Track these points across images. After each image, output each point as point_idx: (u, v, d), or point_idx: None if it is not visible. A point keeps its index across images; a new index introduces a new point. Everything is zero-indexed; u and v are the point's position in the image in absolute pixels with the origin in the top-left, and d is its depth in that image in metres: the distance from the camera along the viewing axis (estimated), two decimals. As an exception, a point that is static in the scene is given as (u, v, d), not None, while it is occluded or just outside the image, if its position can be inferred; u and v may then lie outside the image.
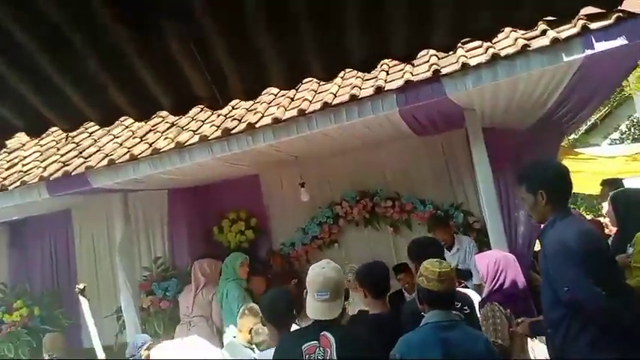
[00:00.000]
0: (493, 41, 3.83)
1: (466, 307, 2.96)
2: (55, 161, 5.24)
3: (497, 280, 3.27)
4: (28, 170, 5.30)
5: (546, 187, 2.48)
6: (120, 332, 5.96)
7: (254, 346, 3.79)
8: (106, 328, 5.95)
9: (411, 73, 4.00)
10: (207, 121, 4.91)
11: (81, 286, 4.68)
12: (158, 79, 1.66)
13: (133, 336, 4.96)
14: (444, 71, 3.81)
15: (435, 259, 2.56)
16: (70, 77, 1.64)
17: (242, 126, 4.40)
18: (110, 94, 1.70)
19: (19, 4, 1.37)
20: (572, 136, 10.57)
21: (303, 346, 2.35)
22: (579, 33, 3.49)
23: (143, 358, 4.37)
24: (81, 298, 4.62)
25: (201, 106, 4.53)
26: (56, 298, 6.61)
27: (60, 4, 1.38)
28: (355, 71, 4.50)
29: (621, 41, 3.40)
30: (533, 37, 3.67)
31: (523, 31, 3.76)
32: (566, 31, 3.56)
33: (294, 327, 2.89)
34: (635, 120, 13.71)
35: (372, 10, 1.44)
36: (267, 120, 4.33)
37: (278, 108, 4.42)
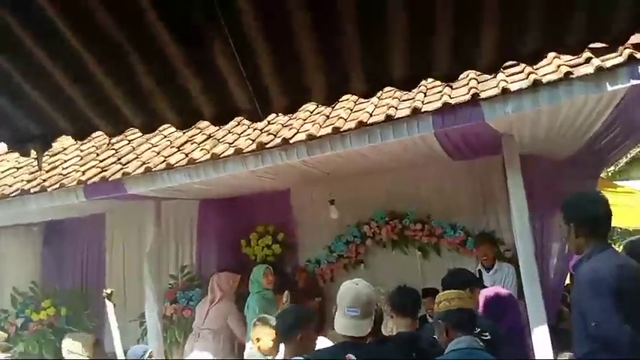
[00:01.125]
0: (535, 67, 3.78)
1: (486, 334, 2.85)
2: (93, 166, 5.37)
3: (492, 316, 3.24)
4: (67, 174, 5.45)
5: (577, 220, 2.47)
6: (141, 338, 6.02)
7: (269, 356, 3.76)
8: (129, 333, 6.00)
9: (449, 96, 3.96)
10: (243, 134, 4.97)
11: (108, 291, 4.74)
12: (202, 89, 1.68)
13: (132, 346, 4.96)
14: (483, 95, 3.77)
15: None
16: (117, 83, 1.68)
17: (277, 141, 4.44)
18: (154, 101, 1.74)
19: (77, 14, 1.41)
20: (612, 168, 10.27)
21: None
22: (625, 62, 3.41)
23: None
24: (107, 302, 4.68)
25: (239, 119, 4.62)
26: (83, 299, 6.72)
27: (114, 15, 1.42)
28: (392, 92, 4.52)
29: (670, 73, 3.31)
30: (577, 65, 3.60)
31: (566, 59, 3.70)
32: (612, 59, 3.48)
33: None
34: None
35: (419, 29, 1.43)
36: (301, 136, 4.35)
37: (313, 125, 4.44)
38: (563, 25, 1.41)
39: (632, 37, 1.58)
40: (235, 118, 5.03)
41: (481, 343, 2.63)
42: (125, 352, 4.56)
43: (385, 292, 4.84)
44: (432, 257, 5.90)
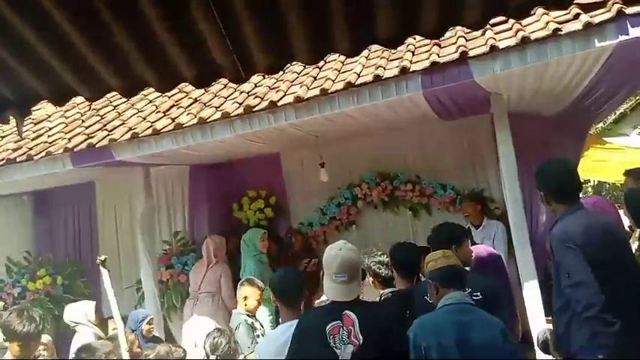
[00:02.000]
0: (523, 24, 3.73)
1: (477, 293, 2.85)
2: (79, 133, 5.30)
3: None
4: (53, 141, 5.38)
5: (545, 188, 2.69)
6: (139, 303, 6.09)
7: (251, 314, 3.98)
8: (126, 299, 6.09)
9: (438, 55, 3.92)
10: (229, 98, 4.91)
11: (102, 257, 4.74)
12: (182, 50, 1.65)
13: (133, 310, 5.05)
14: (471, 53, 3.72)
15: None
16: (94, 46, 1.64)
17: (264, 104, 4.39)
18: (133, 63, 1.70)
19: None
20: (601, 125, 10.30)
21: (326, 327, 2.34)
22: (614, 18, 3.37)
23: (144, 332, 4.46)
24: (102, 269, 4.70)
25: (225, 81, 4.55)
26: (78, 267, 6.75)
27: None
28: (380, 51, 4.46)
29: (658, 27, 3.28)
30: (565, 21, 3.55)
31: (555, 15, 3.65)
32: (600, 15, 3.44)
33: None
34: (666, 111, 13.28)
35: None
36: (289, 98, 4.31)
37: (300, 87, 4.39)
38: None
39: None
40: (221, 82, 4.94)
41: (472, 299, 2.69)
42: (124, 318, 4.64)
43: (378, 251, 4.92)
44: (422, 217, 5.96)
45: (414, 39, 4.24)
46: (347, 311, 2.35)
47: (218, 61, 1.68)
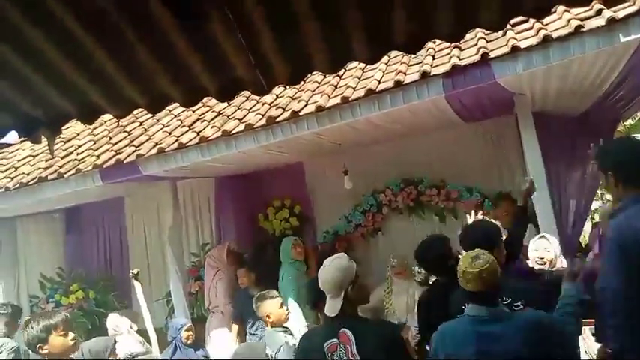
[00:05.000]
0: (544, 22, 3.69)
1: (518, 303, 2.60)
2: (107, 150, 5.44)
3: None
4: (82, 159, 5.53)
5: (614, 168, 2.25)
6: (169, 315, 6.18)
7: (287, 330, 3.70)
8: (157, 312, 6.17)
9: (459, 57, 3.90)
10: (252, 109, 4.97)
11: (135, 271, 4.87)
12: (204, 64, 1.68)
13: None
14: (493, 54, 3.70)
15: (475, 253, 2.31)
16: (119, 64, 1.69)
17: (286, 114, 4.43)
18: (158, 80, 1.74)
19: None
20: (629, 122, 10.04)
21: (324, 345, 2.38)
22: (637, 11, 3.30)
23: (183, 338, 4.56)
24: (134, 282, 4.81)
25: (247, 93, 4.60)
26: (110, 282, 6.89)
27: None
28: (400, 57, 4.46)
29: (685, 19, 3.20)
30: (588, 18, 3.50)
31: (576, 12, 3.60)
32: (624, 9, 3.37)
33: None
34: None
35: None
36: (310, 108, 4.34)
37: (322, 96, 4.42)
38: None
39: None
40: (243, 94, 5.00)
41: (504, 308, 2.43)
42: (157, 330, 4.74)
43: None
44: (449, 221, 5.89)
45: (434, 43, 4.23)
46: (343, 329, 2.37)
47: (240, 74, 1.71)
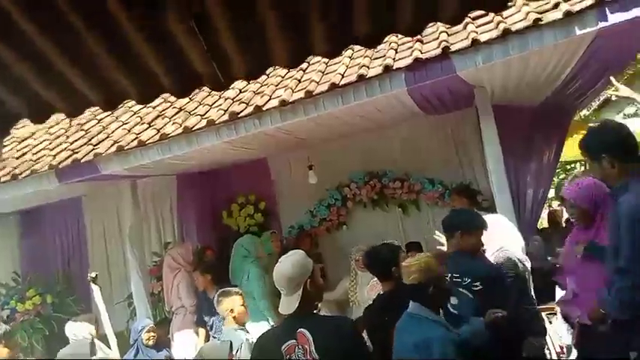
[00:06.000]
0: (504, 16, 3.74)
1: (477, 284, 2.79)
2: (64, 149, 5.24)
3: None
4: (38, 159, 5.32)
5: (609, 151, 2.38)
6: (131, 318, 6.02)
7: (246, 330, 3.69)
8: (118, 315, 6.01)
9: (420, 51, 3.92)
10: (214, 105, 4.88)
11: (93, 274, 4.71)
12: (159, 59, 1.62)
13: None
14: (453, 48, 3.73)
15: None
16: (72, 60, 1.61)
17: (249, 109, 4.36)
18: (111, 76, 1.67)
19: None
20: (585, 112, 10.38)
21: (282, 347, 2.31)
22: (593, 5, 3.39)
23: (145, 340, 4.45)
24: (93, 286, 4.65)
25: (205, 88, 4.51)
26: (68, 285, 6.67)
27: None
28: (363, 50, 4.45)
29: (636, 12, 3.30)
30: (546, 11, 3.57)
31: (535, 5, 3.66)
32: (580, 3, 3.46)
33: None
34: (650, 94, 13.44)
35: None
36: (274, 102, 4.29)
37: (285, 90, 4.37)
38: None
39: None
40: (204, 89, 4.89)
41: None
42: (117, 334, 4.61)
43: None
44: (412, 213, 5.98)
45: (397, 37, 4.24)
46: (301, 329, 2.31)
47: (197, 69, 1.66)
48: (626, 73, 10.36)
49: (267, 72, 3.95)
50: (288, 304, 2.37)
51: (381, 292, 3.30)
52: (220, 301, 3.66)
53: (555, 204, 9.50)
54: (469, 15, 3.23)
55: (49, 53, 1.58)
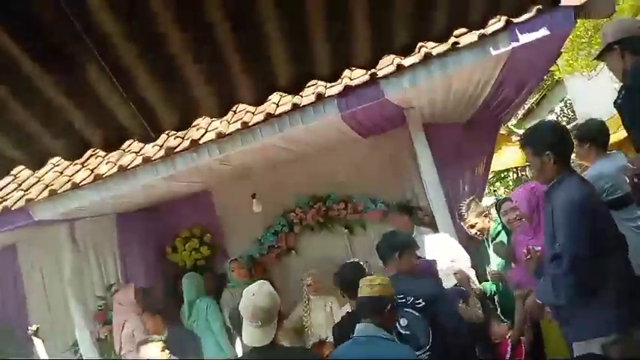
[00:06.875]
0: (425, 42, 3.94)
1: (420, 301, 2.87)
2: (-8, 197, 5.01)
3: None
4: (-36, 209, 5.04)
5: (552, 148, 2.54)
6: (79, 367, 5.75)
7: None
8: (64, 365, 5.74)
9: (350, 78, 4.06)
10: (149, 141, 4.81)
11: (34, 327, 4.51)
12: (85, 116, 1.61)
13: None
14: (380, 74, 3.89)
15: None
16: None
17: (185, 143, 4.35)
18: (39, 137, 1.64)
19: None
20: (510, 123, 10.97)
21: None
22: (504, 27, 3.64)
23: None
24: (34, 339, 4.45)
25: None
26: (8, 336, 6.29)
27: None
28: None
29: (544, 32, 3.57)
30: (462, 34, 3.79)
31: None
32: (492, 26, 3.70)
33: None
34: (567, 101, 14.40)
35: (297, 35, 1.45)
36: (210, 135, 4.29)
37: (221, 122, 4.38)
38: (430, 17, 1.49)
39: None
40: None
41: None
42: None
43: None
44: (358, 233, 6.06)
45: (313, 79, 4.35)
46: None
47: (123, 122, 1.66)
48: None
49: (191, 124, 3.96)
50: (263, 336, 2.37)
51: (350, 310, 3.39)
52: (139, 349, 3.65)
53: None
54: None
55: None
